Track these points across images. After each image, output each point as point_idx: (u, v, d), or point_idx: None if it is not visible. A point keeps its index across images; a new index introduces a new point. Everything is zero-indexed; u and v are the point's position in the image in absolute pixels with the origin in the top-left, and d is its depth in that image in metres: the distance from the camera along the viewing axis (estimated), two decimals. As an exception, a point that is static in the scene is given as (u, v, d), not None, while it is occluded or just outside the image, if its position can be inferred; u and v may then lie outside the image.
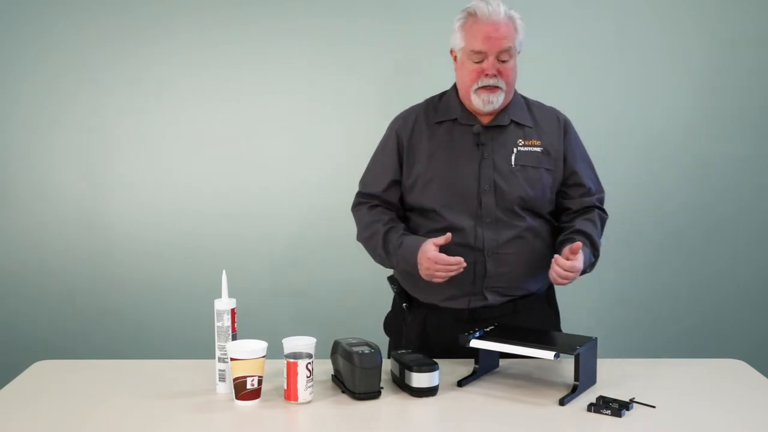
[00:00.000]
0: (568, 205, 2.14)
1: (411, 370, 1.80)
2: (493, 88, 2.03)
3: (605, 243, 3.24)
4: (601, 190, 2.21)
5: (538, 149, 2.09)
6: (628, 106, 3.26)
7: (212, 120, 3.27)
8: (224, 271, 1.88)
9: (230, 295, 1.87)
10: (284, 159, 3.29)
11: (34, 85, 3.24)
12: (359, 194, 2.23)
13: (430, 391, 1.81)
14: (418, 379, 1.80)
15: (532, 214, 2.08)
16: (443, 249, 1.98)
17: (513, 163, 2.06)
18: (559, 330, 2.20)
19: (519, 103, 2.14)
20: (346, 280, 3.29)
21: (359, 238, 2.19)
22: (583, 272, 2.04)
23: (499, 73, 2.02)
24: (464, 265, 1.95)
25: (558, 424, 1.67)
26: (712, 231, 3.29)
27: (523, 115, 2.12)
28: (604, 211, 2.19)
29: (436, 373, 1.81)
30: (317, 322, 3.21)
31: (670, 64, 3.23)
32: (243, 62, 3.24)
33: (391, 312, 2.27)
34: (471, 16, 2.04)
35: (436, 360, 1.85)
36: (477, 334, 1.88)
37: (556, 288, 2.21)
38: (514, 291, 2.07)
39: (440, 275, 1.96)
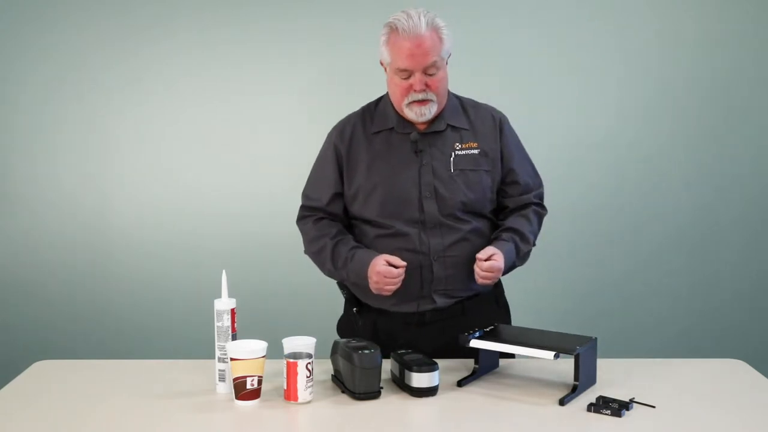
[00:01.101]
0: (506, 204, 2.15)
1: (411, 370, 1.80)
2: (424, 101, 2.01)
3: (606, 243, 3.28)
4: (539, 185, 2.20)
5: (475, 151, 2.08)
6: (627, 106, 3.26)
7: (212, 120, 3.27)
8: (224, 271, 1.88)
9: (230, 295, 1.86)
10: (284, 159, 3.29)
11: (35, 85, 3.24)
12: (303, 207, 2.22)
13: (430, 391, 1.81)
14: (418, 379, 1.80)
15: (474, 215, 2.09)
16: (384, 250, 2.04)
17: (452, 168, 2.06)
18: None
19: (454, 105, 2.12)
20: (346, 280, 3.28)
21: (306, 251, 2.19)
22: (513, 267, 2.08)
23: (427, 87, 1.99)
24: (403, 266, 1.99)
25: (558, 424, 1.67)
26: (712, 231, 3.29)
27: (458, 118, 2.11)
28: (541, 206, 2.19)
29: (436, 373, 1.81)
30: (317, 322, 3.20)
31: (670, 65, 3.23)
32: (243, 62, 3.24)
33: (343, 315, 2.28)
34: (393, 31, 1.99)
35: (435, 360, 1.85)
36: (477, 334, 1.89)
37: (503, 287, 2.22)
38: (461, 292, 2.08)
39: (389, 288, 1.99)
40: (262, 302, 3.20)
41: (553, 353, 1.77)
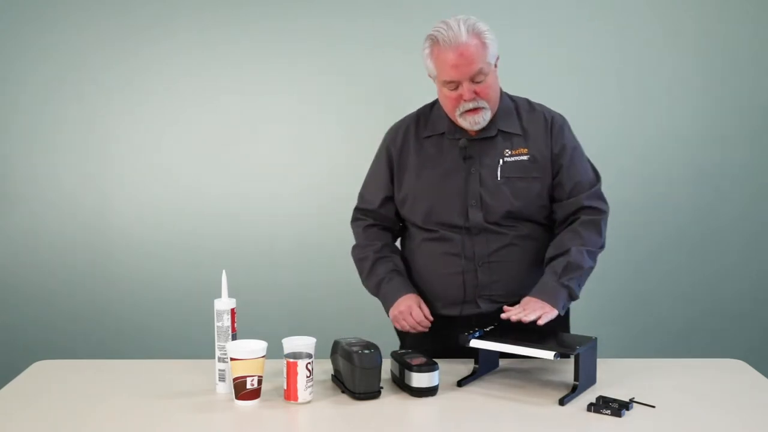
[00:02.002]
0: (555, 209, 2.09)
1: (411, 370, 1.80)
2: (476, 110, 1.99)
3: (606, 243, 3.26)
4: (592, 183, 2.09)
5: (525, 158, 2.04)
6: (627, 106, 3.26)
7: (212, 120, 3.27)
8: (224, 271, 1.88)
9: (230, 295, 1.87)
10: (284, 159, 3.29)
11: (35, 85, 3.24)
12: (356, 209, 2.25)
13: (430, 391, 1.81)
14: (418, 379, 1.80)
15: (522, 221, 2.06)
16: (433, 259, 2.07)
17: (499, 176, 2.04)
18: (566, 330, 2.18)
19: (507, 109, 2.09)
20: (346, 280, 3.26)
21: (352, 254, 2.23)
22: (572, 294, 1.98)
23: (477, 94, 1.97)
24: (427, 325, 2.03)
25: (558, 424, 1.67)
26: (712, 231, 3.29)
27: (511, 123, 2.07)
28: (593, 209, 2.06)
29: (436, 373, 1.81)
30: (317, 322, 3.21)
31: (670, 65, 3.23)
32: (243, 62, 3.24)
33: None
34: (435, 43, 1.96)
35: (435, 360, 1.85)
36: (477, 334, 1.88)
37: None
38: (507, 298, 2.05)
39: (403, 324, 2.04)
40: (262, 302, 3.21)
41: (553, 353, 1.77)
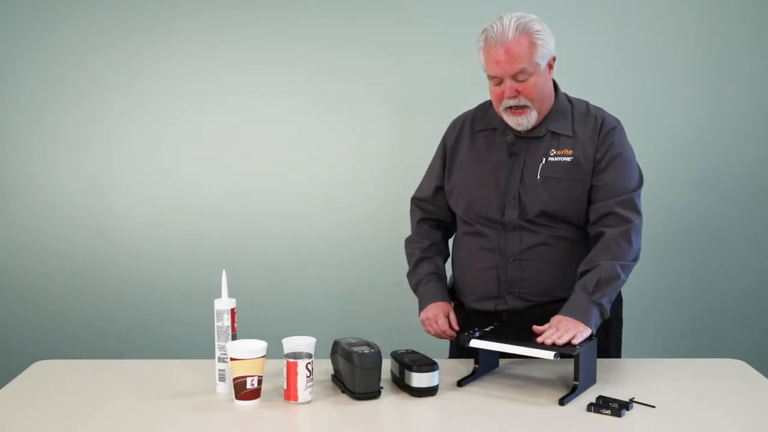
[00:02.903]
0: (589, 211, 2.04)
1: (411, 370, 1.80)
2: (520, 109, 1.99)
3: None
4: (628, 190, 2.02)
5: (567, 159, 2.03)
6: (627, 107, 3.25)
7: (212, 120, 3.27)
8: (224, 271, 1.88)
9: (230, 295, 1.86)
10: (284, 159, 3.29)
11: (35, 85, 3.24)
12: (414, 198, 2.30)
13: (430, 391, 1.81)
14: (418, 379, 1.80)
15: (558, 221, 2.05)
16: (469, 253, 2.12)
17: (538, 175, 2.04)
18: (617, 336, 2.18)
19: (562, 110, 2.08)
20: (346, 281, 3.29)
21: (404, 244, 2.28)
22: (602, 309, 1.93)
23: (519, 93, 1.97)
24: (451, 335, 2.07)
25: (558, 424, 1.67)
26: (713, 231, 3.29)
27: (563, 124, 2.06)
28: (622, 217, 1.99)
29: (436, 373, 1.81)
30: (317, 322, 3.22)
31: (671, 65, 3.23)
32: (243, 62, 3.24)
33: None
34: (486, 38, 1.98)
35: (436, 360, 1.85)
36: (477, 334, 1.88)
37: None
38: (539, 297, 2.05)
39: (429, 330, 2.10)
40: (262, 302, 3.21)
41: (554, 353, 1.77)
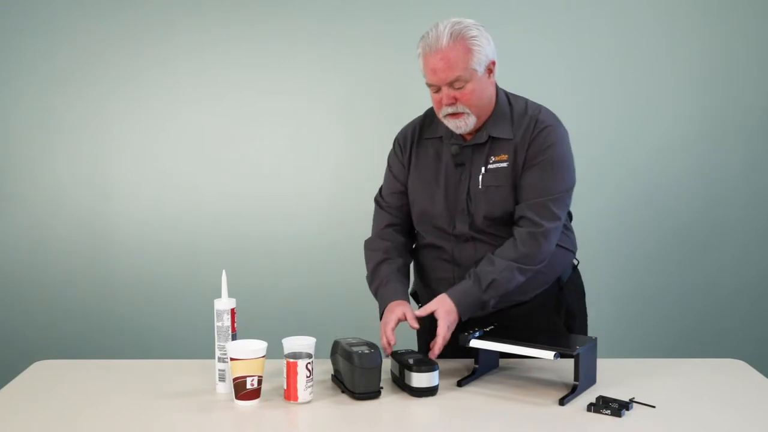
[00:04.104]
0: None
1: (411, 369, 1.80)
2: (457, 114, 1.96)
3: (606, 243, 3.27)
4: (548, 194, 1.96)
5: (504, 165, 1.99)
6: (627, 107, 3.26)
7: (212, 120, 3.27)
8: (224, 271, 1.88)
9: (230, 295, 1.86)
10: (284, 159, 3.29)
11: (35, 85, 3.24)
12: (376, 200, 2.22)
13: (430, 391, 1.81)
14: (418, 379, 1.80)
15: (508, 228, 2.01)
16: (429, 262, 2.09)
17: (480, 185, 2.01)
18: (567, 332, 2.16)
19: (502, 114, 2.02)
20: (347, 281, 3.28)
21: (364, 246, 2.20)
22: (484, 303, 1.94)
23: (456, 100, 1.93)
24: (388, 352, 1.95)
25: (558, 424, 1.67)
26: (713, 231, 3.29)
27: (503, 128, 2.00)
28: (533, 221, 1.95)
29: (435, 373, 1.81)
30: (317, 322, 3.21)
31: (671, 65, 3.23)
32: (243, 62, 3.25)
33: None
34: (422, 46, 1.94)
35: (436, 360, 1.85)
36: (477, 334, 1.88)
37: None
38: (500, 302, 2.01)
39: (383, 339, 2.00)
40: (262, 302, 3.21)
41: (553, 353, 1.77)
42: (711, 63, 3.23)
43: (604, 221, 3.28)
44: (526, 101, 2.07)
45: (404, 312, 1.96)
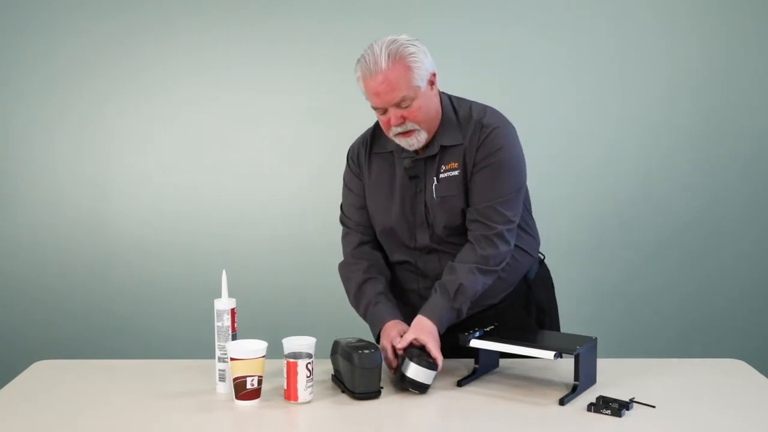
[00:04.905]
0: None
1: (411, 359, 1.79)
2: (408, 132, 1.93)
3: (606, 243, 3.27)
4: (498, 195, 1.95)
5: (455, 173, 1.96)
6: (627, 107, 3.26)
7: (211, 120, 3.27)
8: (224, 271, 1.88)
9: (230, 295, 1.86)
10: (284, 159, 3.29)
11: (35, 85, 3.24)
12: (341, 221, 2.18)
13: (421, 388, 1.79)
14: (416, 371, 1.78)
15: (467, 237, 2.00)
16: (400, 274, 2.09)
17: (434, 196, 1.98)
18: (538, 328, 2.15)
19: (450, 122, 1.98)
20: (346, 280, 3.28)
21: (339, 270, 2.15)
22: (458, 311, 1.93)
23: (405, 119, 1.90)
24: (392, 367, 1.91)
25: (558, 424, 1.67)
26: (713, 231, 3.29)
27: (452, 136, 1.97)
28: (484, 224, 1.94)
29: (433, 373, 1.81)
30: (317, 322, 3.21)
31: (671, 65, 3.23)
32: (243, 62, 3.25)
33: None
34: (361, 70, 1.90)
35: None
36: (477, 334, 1.88)
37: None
38: (472, 308, 1.99)
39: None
40: (262, 302, 3.20)
41: (553, 353, 1.77)
42: (711, 63, 3.23)
43: (603, 221, 3.28)
44: (470, 104, 2.03)
45: (400, 333, 1.92)
